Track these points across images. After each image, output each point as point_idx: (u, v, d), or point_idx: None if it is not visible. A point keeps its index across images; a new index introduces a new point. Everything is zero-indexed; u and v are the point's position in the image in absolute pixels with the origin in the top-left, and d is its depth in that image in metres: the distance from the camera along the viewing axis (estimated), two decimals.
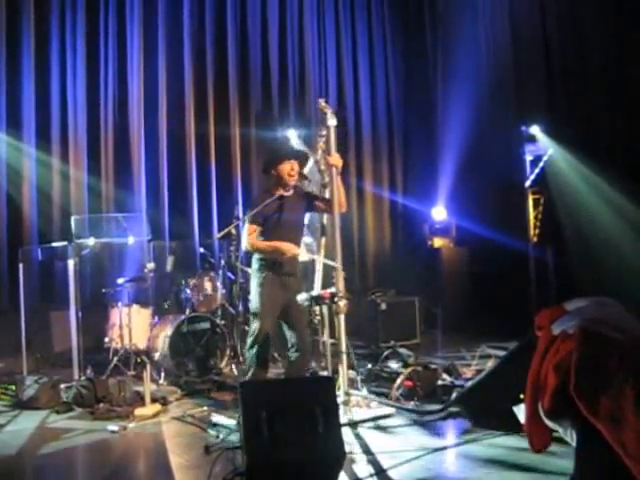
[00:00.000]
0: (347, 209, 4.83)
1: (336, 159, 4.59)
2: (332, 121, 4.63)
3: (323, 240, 4.75)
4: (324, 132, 4.67)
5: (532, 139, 8.10)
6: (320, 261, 4.66)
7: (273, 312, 4.55)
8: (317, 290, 4.52)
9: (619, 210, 7.16)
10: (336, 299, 4.43)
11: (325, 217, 4.87)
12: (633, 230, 7.09)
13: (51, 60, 7.99)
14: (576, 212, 7.76)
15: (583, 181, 7.64)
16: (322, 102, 4.70)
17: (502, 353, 5.29)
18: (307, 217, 5.02)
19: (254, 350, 4.52)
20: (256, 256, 4.67)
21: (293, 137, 8.45)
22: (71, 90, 8.08)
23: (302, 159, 4.77)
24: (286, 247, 4.48)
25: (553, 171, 8.02)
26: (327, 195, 4.75)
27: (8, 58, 7.75)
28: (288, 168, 4.62)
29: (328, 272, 4.65)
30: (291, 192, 4.69)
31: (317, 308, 4.56)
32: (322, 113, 4.69)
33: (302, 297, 4.41)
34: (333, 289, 4.50)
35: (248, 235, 4.59)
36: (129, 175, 8.29)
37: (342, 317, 4.50)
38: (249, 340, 4.59)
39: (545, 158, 7.98)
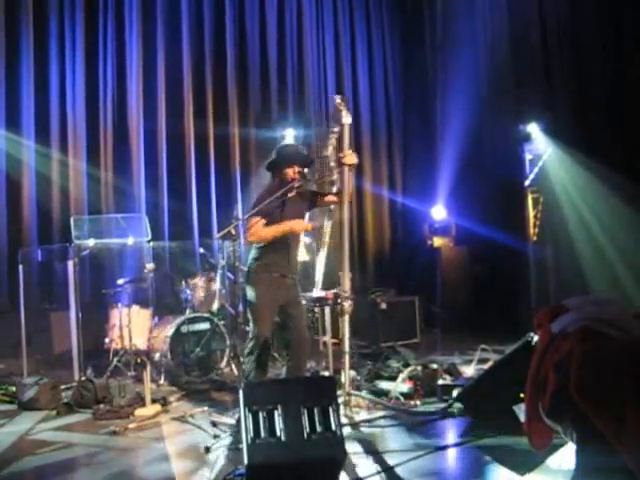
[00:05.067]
0: (350, 199, 4.81)
1: (350, 158, 4.55)
2: (347, 119, 4.59)
3: (330, 223, 4.71)
4: (336, 129, 4.64)
5: (531, 138, 8.09)
6: (321, 259, 4.63)
7: (271, 314, 4.53)
8: (318, 287, 4.50)
9: (616, 210, 7.15)
10: (340, 300, 4.40)
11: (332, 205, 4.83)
12: (631, 229, 7.08)
13: (50, 61, 8.00)
14: (573, 212, 7.76)
15: (581, 180, 7.63)
16: (338, 99, 4.67)
17: (497, 356, 5.29)
18: (307, 217, 5.01)
19: (254, 355, 4.51)
20: (252, 256, 4.64)
21: (290, 137, 8.45)
22: (70, 91, 8.09)
23: (306, 163, 4.77)
24: (296, 224, 4.44)
25: (552, 170, 8.02)
26: (334, 190, 4.72)
27: (7, 58, 7.75)
28: (291, 172, 4.63)
29: (330, 271, 4.64)
30: (294, 193, 4.70)
31: (317, 310, 4.54)
32: (337, 110, 4.65)
33: (306, 297, 4.39)
34: (336, 289, 4.47)
35: (252, 227, 4.49)
36: (128, 176, 8.29)
37: (347, 318, 4.47)
38: (249, 344, 4.58)
39: (544, 157, 7.98)
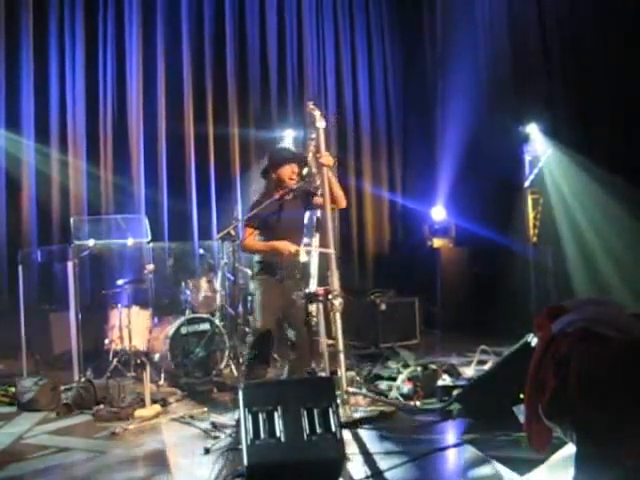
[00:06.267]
0: (345, 204, 4.79)
1: (327, 158, 4.56)
2: (321, 123, 4.63)
3: (317, 236, 4.73)
4: (314, 135, 4.66)
5: (530, 139, 8.09)
6: (315, 258, 4.63)
7: (273, 315, 4.57)
8: (313, 287, 4.50)
9: (614, 213, 7.15)
10: (330, 297, 4.41)
11: (319, 212, 4.82)
12: (628, 234, 7.09)
13: (50, 61, 8.02)
14: (572, 213, 7.77)
15: (579, 183, 7.63)
16: (310, 104, 4.70)
17: (497, 358, 5.29)
18: (306, 217, 5.01)
19: (254, 350, 4.53)
20: (255, 259, 4.71)
21: (289, 138, 8.46)
22: (70, 91, 8.11)
23: (302, 162, 4.78)
24: (282, 246, 4.47)
25: (551, 172, 8.02)
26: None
27: (7, 57, 7.77)
28: (289, 172, 4.65)
29: (323, 272, 4.64)
30: (291, 196, 4.71)
31: (314, 308, 4.53)
32: (311, 115, 4.68)
33: (298, 294, 4.42)
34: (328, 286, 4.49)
35: (245, 237, 4.64)
36: (128, 176, 8.30)
37: (338, 316, 4.49)
38: (249, 340, 4.61)
39: (544, 158, 7.97)
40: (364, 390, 4.98)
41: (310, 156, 4.67)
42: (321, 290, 4.42)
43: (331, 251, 4.58)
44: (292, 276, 4.62)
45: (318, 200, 4.72)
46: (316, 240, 4.71)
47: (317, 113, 4.63)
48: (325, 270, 4.59)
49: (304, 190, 4.80)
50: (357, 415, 4.42)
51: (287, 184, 4.66)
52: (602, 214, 7.34)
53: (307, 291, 4.42)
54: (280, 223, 4.60)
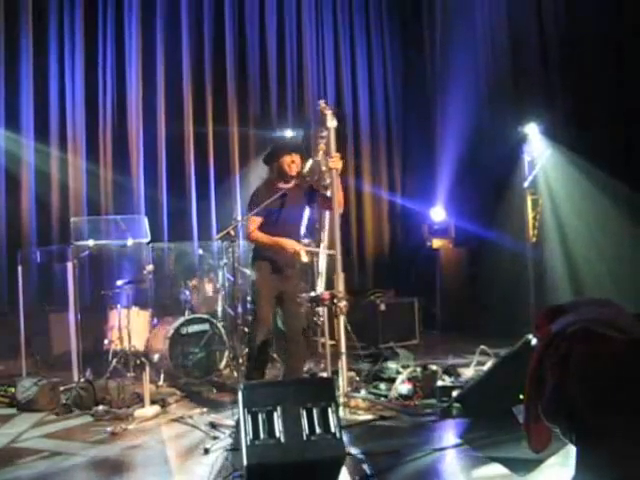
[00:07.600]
0: (341, 211, 4.82)
1: (336, 162, 4.60)
2: (332, 122, 4.62)
3: (325, 236, 4.73)
4: (324, 133, 4.66)
5: (530, 140, 8.09)
6: (323, 256, 4.63)
7: (270, 299, 4.61)
8: (320, 288, 4.50)
9: (613, 213, 7.15)
10: (336, 300, 4.42)
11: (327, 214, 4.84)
12: (628, 235, 7.09)
13: (49, 62, 8.03)
14: (571, 214, 7.77)
15: (575, 183, 7.63)
16: (322, 103, 4.71)
17: (496, 358, 5.28)
18: (306, 214, 5.03)
19: (253, 345, 4.56)
20: (255, 245, 4.75)
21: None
22: (70, 91, 8.12)
23: (303, 153, 4.80)
24: (288, 244, 4.55)
25: (549, 172, 8.02)
26: (328, 194, 4.76)
27: (7, 57, 7.77)
28: (288, 160, 4.70)
29: (330, 274, 4.64)
30: (292, 184, 4.74)
31: (319, 309, 4.54)
32: (322, 114, 4.69)
33: (303, 298, 4.43)
34: (333, 290, 4.49)
35: (249, 227, 4.69)
36: (128, 176, 8.30)
37: (342, 318, 4.49)
38: (249, 335, 4.64)
39: (543, 159, 7.97)
40: (364, 392, 4.98)
41: (320, 154, 4.67)
42: (327, 294, 4.42)
43: (334, 252, 4.59)
44: (292, 265, 4.66)
45: (321, 202, 4.76)
46: (324, 240, 4.72)
47: (328, 112, 4.63)
48: (331, 272, 4.60)
49: (309, 185, 4.83)
50: (357, 417, 4.42)
51: (287, 172, 4.70)
52: (600, 214, 7.33)
53: (313, 294, 4.42)
54: (282, 215, 4.68)
